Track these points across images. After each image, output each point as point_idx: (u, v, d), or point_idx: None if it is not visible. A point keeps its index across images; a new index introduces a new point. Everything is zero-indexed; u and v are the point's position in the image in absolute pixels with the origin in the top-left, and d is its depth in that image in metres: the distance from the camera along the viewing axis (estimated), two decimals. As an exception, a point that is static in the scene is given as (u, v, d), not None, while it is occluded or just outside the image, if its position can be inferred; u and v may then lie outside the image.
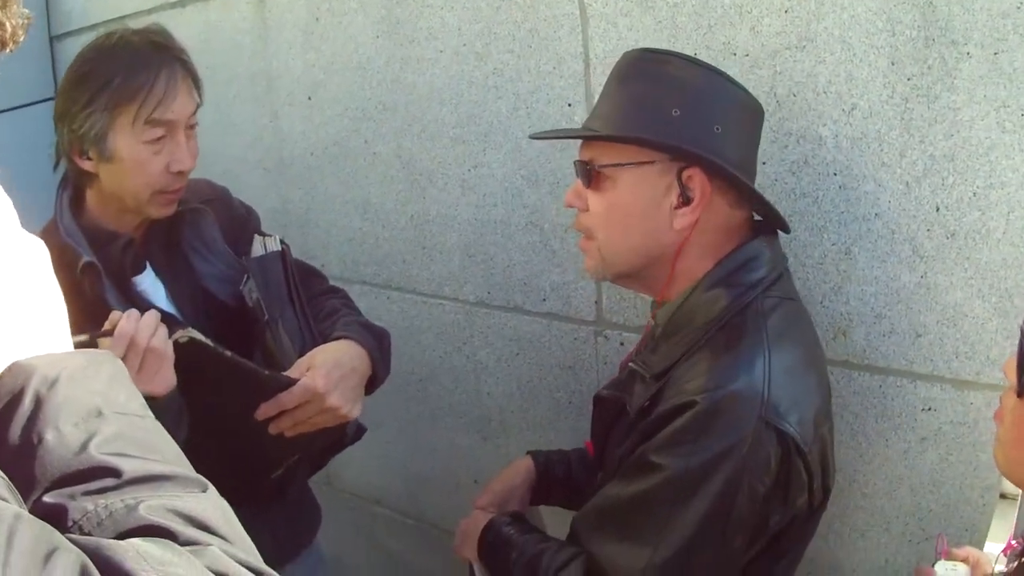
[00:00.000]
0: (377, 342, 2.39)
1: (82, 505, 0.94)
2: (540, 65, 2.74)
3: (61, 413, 0.98)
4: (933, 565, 1.85)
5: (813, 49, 2.21)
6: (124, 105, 2.17)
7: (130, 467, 0.97)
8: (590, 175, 2.03)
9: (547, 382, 3.03)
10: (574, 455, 2.51)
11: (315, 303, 2.54)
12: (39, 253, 1.13)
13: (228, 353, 2.06)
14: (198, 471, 1.05)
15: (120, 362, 1.13)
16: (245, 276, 2.38)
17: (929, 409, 2.23)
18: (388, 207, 3.29)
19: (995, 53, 1.98)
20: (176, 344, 1.96)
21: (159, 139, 2.22)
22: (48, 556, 0.81)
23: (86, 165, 2.25)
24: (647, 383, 2.03)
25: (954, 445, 2.21)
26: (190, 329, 2.01)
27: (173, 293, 2.39)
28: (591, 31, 2.60)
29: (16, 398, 0.99)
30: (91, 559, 0.84)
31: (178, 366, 1.97)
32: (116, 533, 0.93)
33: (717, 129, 1.95)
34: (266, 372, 2.16)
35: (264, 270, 2.41)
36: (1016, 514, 1.92)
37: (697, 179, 1.95)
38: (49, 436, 0.97)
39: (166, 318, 2.13)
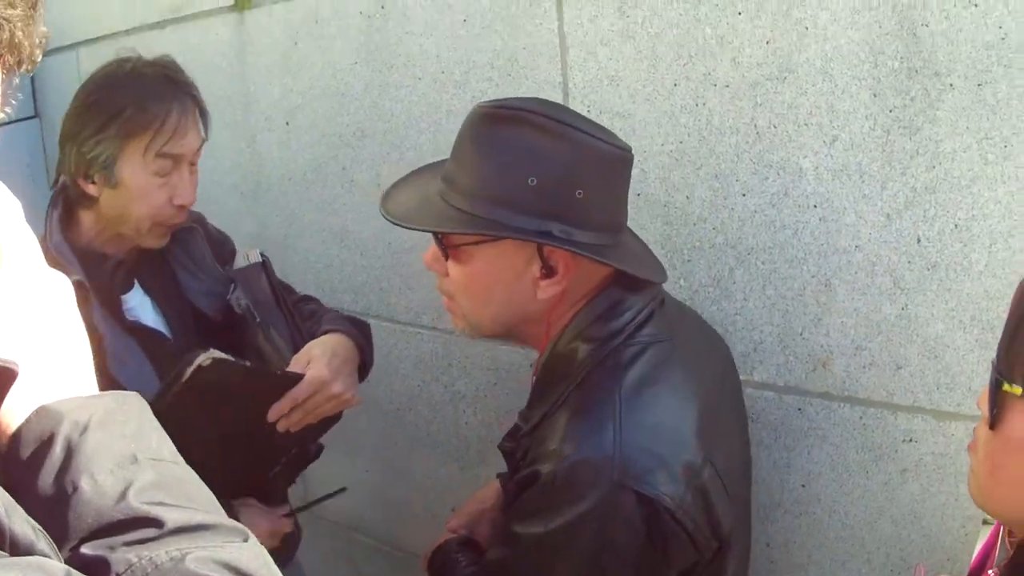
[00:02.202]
0: (361, 332, 2.48)
1: (124, 557, 0.91)
2: (519, 94, 2.70)
3: (95, 461, 0.95)
4: (911, 593, 1.85)
5: (795, 80, 2.20)
6: (137, 135, 2.24)
7: (172, 517, 0.95)
8: (446, 251, 1.96)
9: (525, 412, 2.98)
10: None
11: (296, 309, 2.58)
12: (63, 289, 1.10)
13: (247, 363, 2.15)
14: (210, 484, 1.04)
15: (145, 403, 1.10)
16: (232, 285, 2.46)
17: (910, 440, 2.22)
18: (366, 235, 3.27)
19: (978, 84, 1.97)
20: (200, 368, 2.00)
21: (167, 173, 2.28)
22: None
23: (90, 189, 2.30)
24: (525, 438, 1.99)
25: (935, 476, 2.20)
26: (212, 350, 2.04)
27: (161, 308, 2.45)
28: (570, 60, 2.59)
29: (46, 444, 0.96)
30: None
31: (202, 388, 2.02)
32: None
33: (579, 194, 1.85)
34: (278, 371, 2.24)
35: (248, 280, 2.48)
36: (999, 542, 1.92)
37: (559, 253, 1.87)
38: (85, 485, 0.94)
39: (172, 343, 2.33)
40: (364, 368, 2.47)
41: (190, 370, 1.99)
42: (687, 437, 1.86)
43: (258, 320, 2.42)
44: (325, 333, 2.41)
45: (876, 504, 2.30)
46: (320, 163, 3.36)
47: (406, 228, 2.01)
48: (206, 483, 1.04)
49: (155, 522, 0.93)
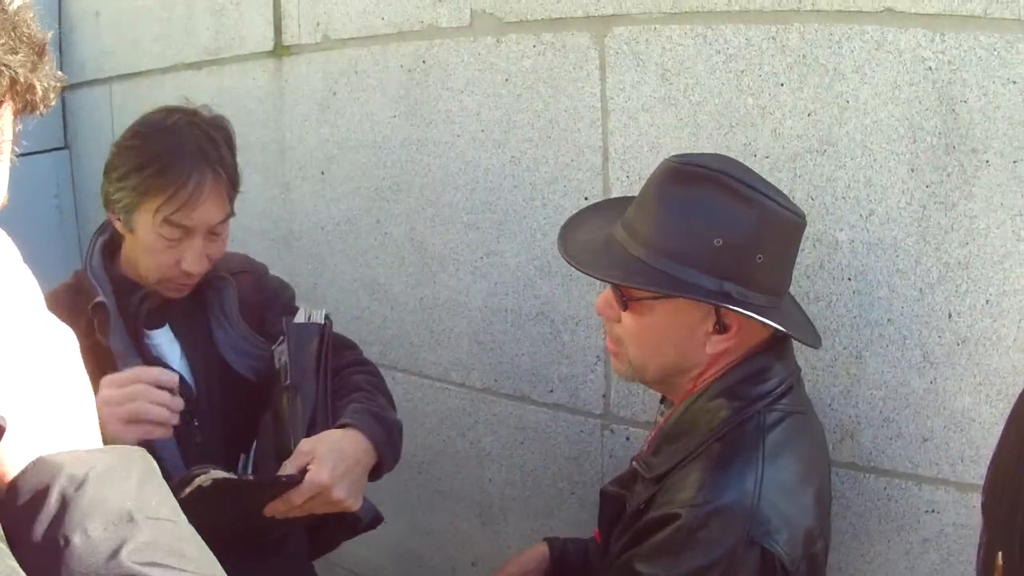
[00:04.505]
0: (386, 433, 2.34)
1: None
2: (558, 156, 2.76)
3: (89, 516, 0.95)
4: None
5: (834, 153, 2.25)
6: (150, 196, 2.24)
7: None
8: (624, 302, 2.00)
9: (551, 472, 3.01)
10: (592, 542, 2.47)
11: (340, 377, 2.50)
12: (68, 341, 1.10)
13: (248, 477, 2.13)
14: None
15: (152, 460, 1.08)
16: (280, 337, 2.41)
17: (932, 511, 2.25)
18: (397, 288, 3.29)
19: (1014, 161, 2.02)
20: (200, 488, 1.98)
21: (176, 238, 2.27)
22: None
23: (116, 225, 2.34)
24: (646, 484, 2.03)
25: (956, 546, 2.23)
26: (212, 471, 2.02)
27: (188, 354, 2.44)
28: (611, 125, 2.63)
29: (40, 495, 0.95)
30: None
31: (198, 502, 1.96)
32: None
33: (759, 259, 1.91)
34: (281, 479, 2.13)
35: (298, 338, 2.41)
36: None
37: (734, 314, 1.93)
38: (77, 540, 0.93)
39: (191, 395, 2.31)
40: (380, 468, 2.33)
41: (188, 490, 1.97)
42: (811, 506, 1.92)
43: (288, 383, 2.35)
44: (344, 426, 2.28)
45: (896, 573, 2.33)
46: (354, 215, 3.38)
47: (589, 275, 2.06)
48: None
49: None
